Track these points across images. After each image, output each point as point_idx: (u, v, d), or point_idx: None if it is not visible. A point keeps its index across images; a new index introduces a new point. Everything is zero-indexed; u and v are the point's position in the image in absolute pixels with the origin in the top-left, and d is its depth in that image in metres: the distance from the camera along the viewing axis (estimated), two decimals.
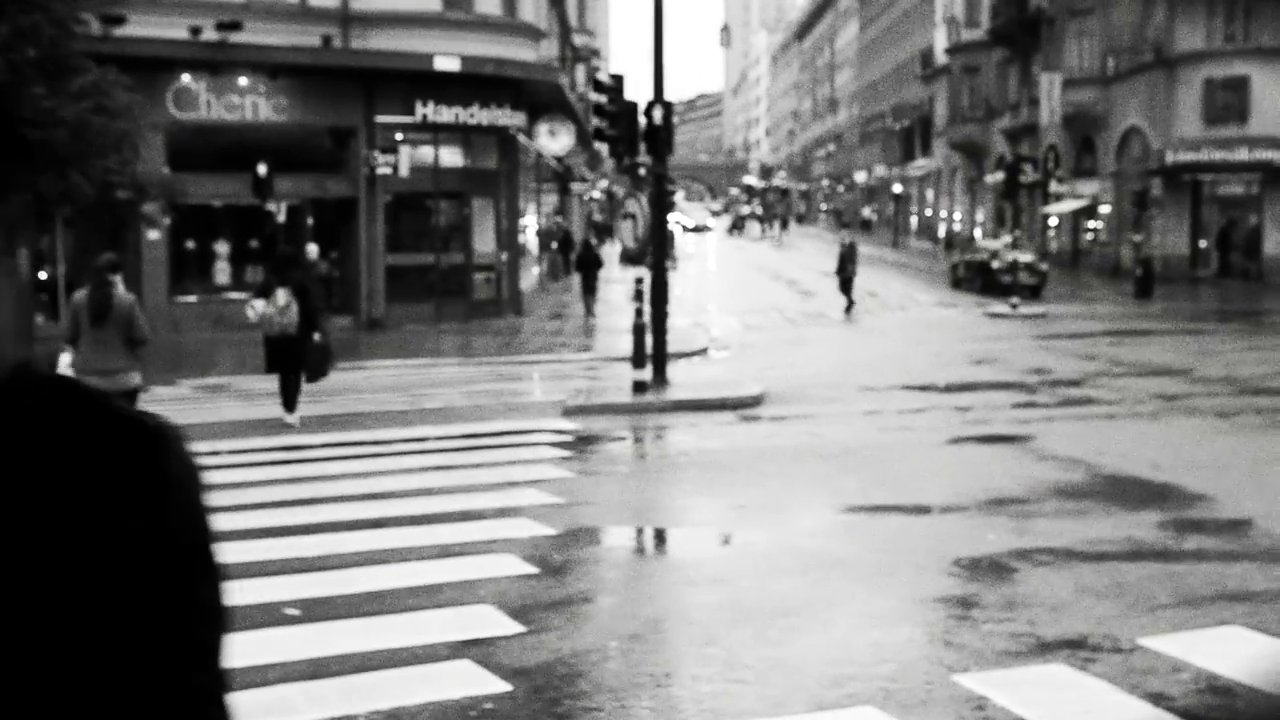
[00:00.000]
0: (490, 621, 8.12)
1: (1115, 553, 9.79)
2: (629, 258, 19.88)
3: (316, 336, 16.76)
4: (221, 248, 30.93)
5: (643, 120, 19.47)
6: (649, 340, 19.18)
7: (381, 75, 30.74)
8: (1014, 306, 35.32)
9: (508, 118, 33.27)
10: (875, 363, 24.07)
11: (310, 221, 31.40)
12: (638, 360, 18.92)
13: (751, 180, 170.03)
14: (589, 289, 35.74)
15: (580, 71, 56.76)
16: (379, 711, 6.63)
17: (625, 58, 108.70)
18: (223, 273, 30.83)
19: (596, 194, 78.27)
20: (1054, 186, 49.44)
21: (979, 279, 43.66)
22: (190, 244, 30.70)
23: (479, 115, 32.35)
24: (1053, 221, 58.91)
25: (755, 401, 18.34)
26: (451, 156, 33.64)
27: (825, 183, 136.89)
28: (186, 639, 1.29)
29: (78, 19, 23.23)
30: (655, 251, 19.79)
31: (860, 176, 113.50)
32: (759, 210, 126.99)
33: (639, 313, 19.01)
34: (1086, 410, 17.71)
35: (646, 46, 19.80)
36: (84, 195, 22.78)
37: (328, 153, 31.67)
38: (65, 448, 1.25)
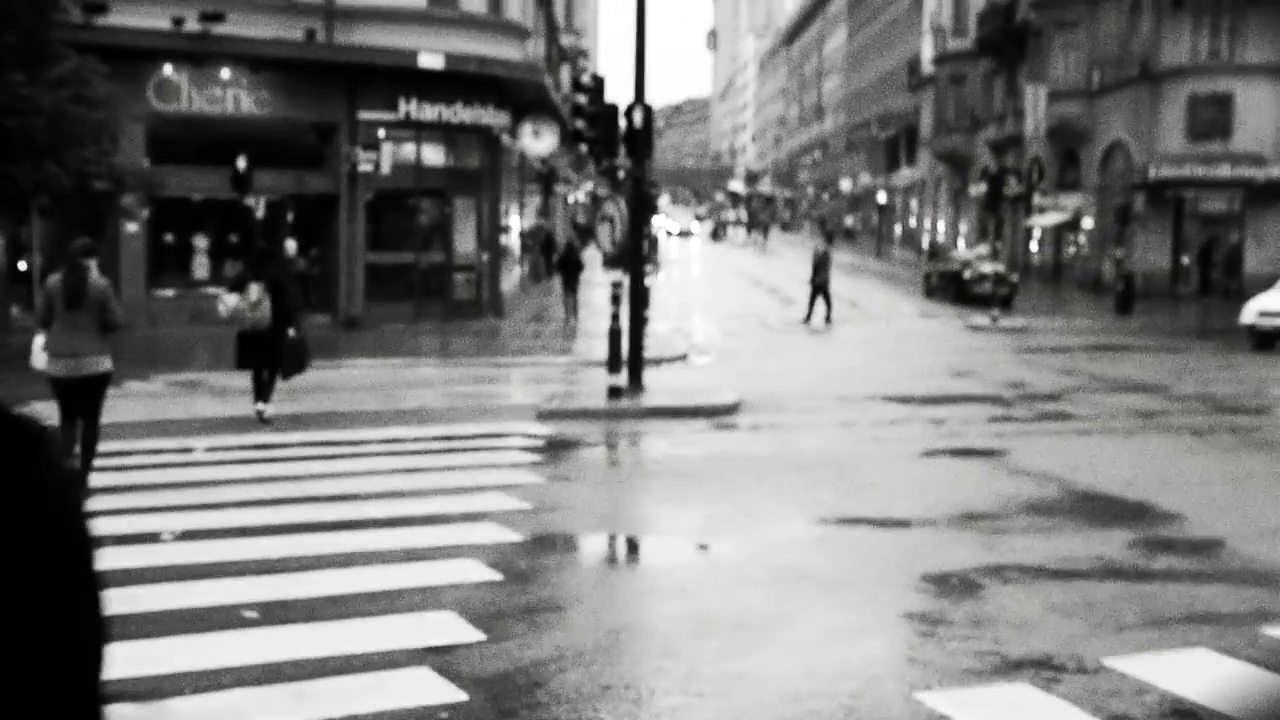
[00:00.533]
0: (451, 628, 8.02)
1: (1085, 571, 9.73)
2: (611, 261, 19.77)
3: (291, 332, 16.68)
4: (200, 242, 30.77)
5: (624, 122, 19.36)
6: (625, 345, 19.08)
7: (365, 71, 30.60)
8: (994, 319, 35.36)
9: (491, 117, 33.14)
10: (853, 372, 24.01)
11: (290, 217, 31.25)
12: (613, 365, 18.83)
13: (737, 186, 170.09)
14: (570, 291, 35.60)
15: (566, 72, 56.62)
16: (331, 719, 6.52)
17: (613, 59, 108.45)
18: (201, 267, 30.67)
19: (581, 196, 78.15)
20: (1037, 199, 49.52)
21: (951, 288, 45.07)
22: (169, 237, 30.55)
23: (462, 114, 32.22)
24: (1036, 234, 58.96)
25: (730, 409, 18.26)
26: (434, 155, 33.51)
27: (810, 190, 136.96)
28: (65, 649, 1.25)
29: (58, 6, 23.10)
30: (632, 255, 19.69)
31: (845, 184, 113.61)
32: (743, 216, 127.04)
33: (615, 317, 18.92)
34: (1062, 425, 17.66)
35: (632, 42, 19.70)
36: (61, 185, 22.64)
37: (309, 148, 31.52)
38: None
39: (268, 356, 16.78)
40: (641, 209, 20.39)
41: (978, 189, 59.30)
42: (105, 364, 11.94)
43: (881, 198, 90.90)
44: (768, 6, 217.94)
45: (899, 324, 37.02)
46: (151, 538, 10.17)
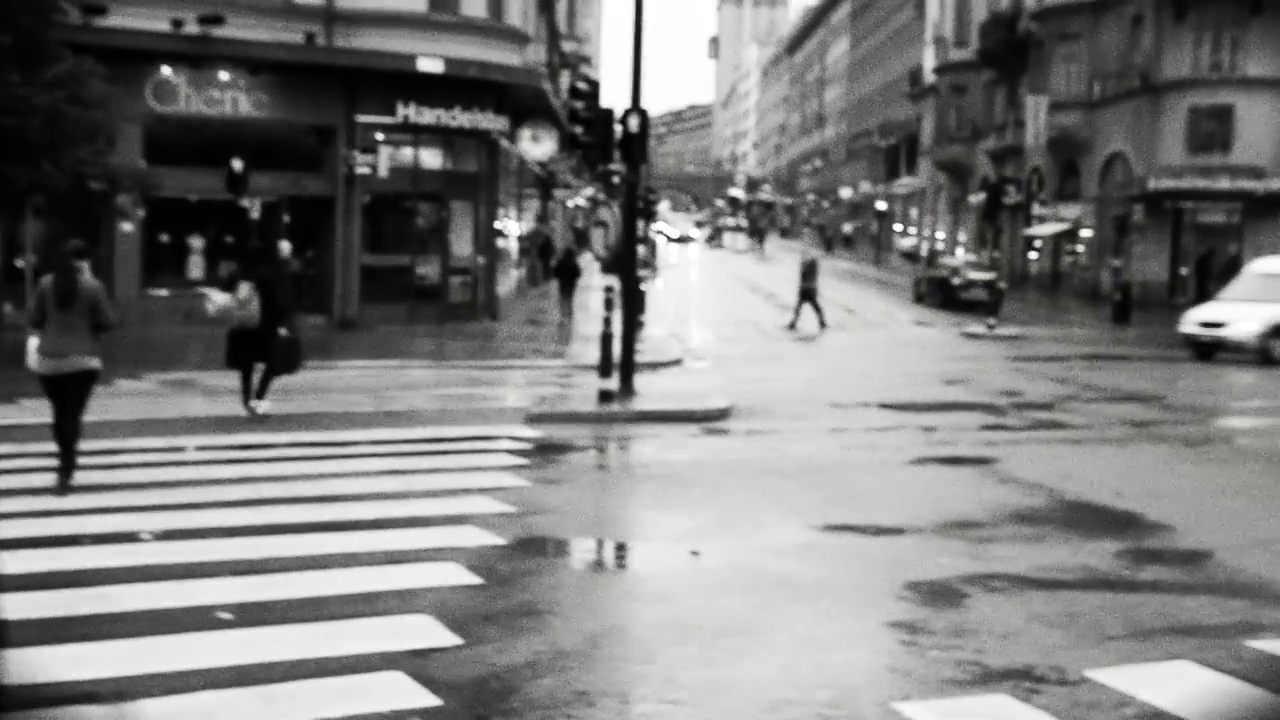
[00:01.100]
0: (427, 632, 7.94)
1: (1070, 581, 9.65)
2: (607, 266, 19.73)
3: (282, 331, 16.66)
4: (196, 242, 30.68)
5: (619, 128, 19.29)
6: (617, 349, 19.01)
7: (363, 75, 30.56)
8: (990, 327, 35.28)
9: (490, 121, 33.09)
10: (846, 379, 23.95)
11: (286, 219, 31.16)
12: (604, 369, 18.77)
13: (737, 192, 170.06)
14: (567, 295, 35.59)
15: (567, 78, 56.59)
16: None
17: (616, 66, 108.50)
18: (196, 267, 30.57)
19: (581, 201, 78.06)
20: (1036, 209, 49.47)
21: (939, 294, 46.42)
22: (164, 237, 30.48)
23: (461, 118, 32.17)
24: (1037, 243, 58.91)
25: (721, 414, 18.20)
26: (432, 158, 33.46)
27: (811, 197, 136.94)
28: None
29: (57, 7, 23.07)
30: (626, 261, 19.63)
31: (845, 192, 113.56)
32: (742, 222, 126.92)
33: (607, 321, 18.86)
34: (1054, 434, 17.59)
35: (629, 55, 19.65)
36: (56, 185, 22.59)
37: (307, 150, 31.47)
38: None
39: (258, 355, 16.78)
40: (635, 214, 20.34)
41: (977, 198, 59.28)
42: (93, 362, 12.08)
43: (881, 206, 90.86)
44: (771, 15, 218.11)
45: (895, 331, 36.98)
46: (130, 537, 10.11)
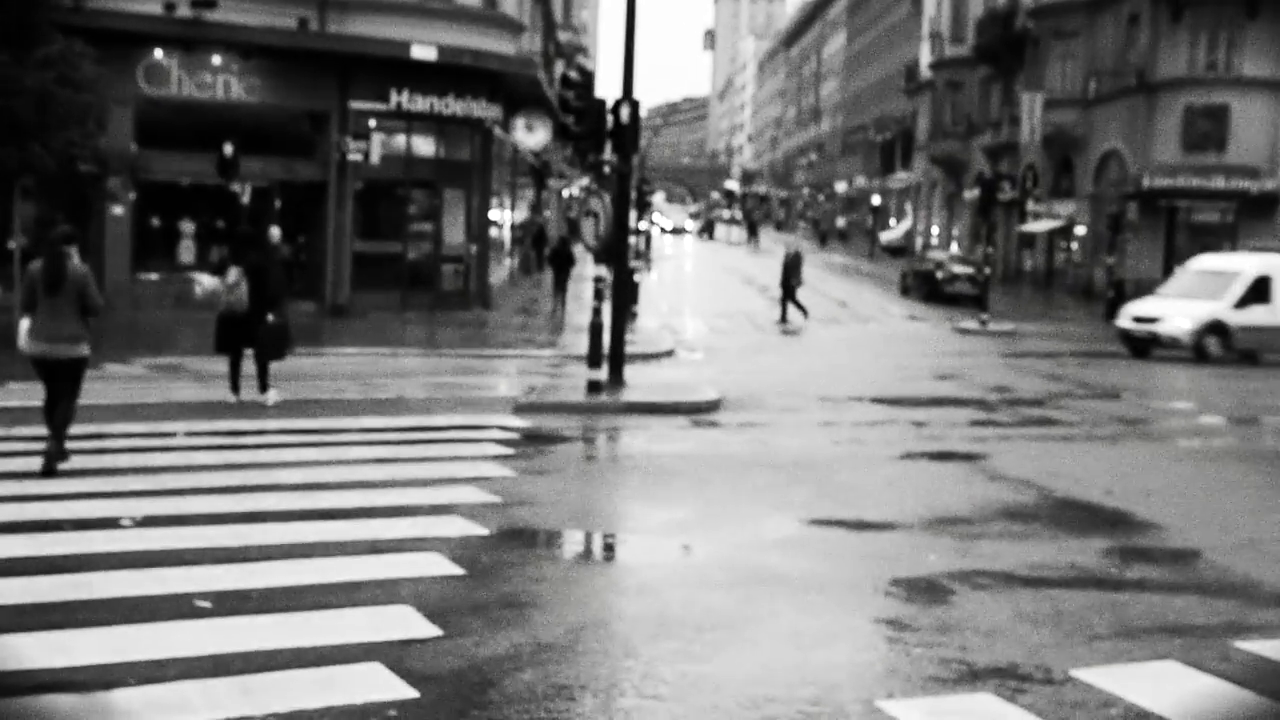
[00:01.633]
0: (407, 623, 7.85)
1: (1057, 579, 9.58)
2: (600, 256, 19.63)
3: (271, 317, 16.59)
4: (187, 226, 30.55)
5: (612, 118, 19.17)
6: (607, 340, 18.91)
7: (357, 61, 30.42)
8: (983, 323, 35.26)
9: (483, 110, 32.97)
10: (837, 373, 23.87)
11: (278, 204, 31.04)
12: (593, 360, 18.67)
13: (732, 185, 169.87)
14: (560, 285, 35.50)
15: (562, 68, 56.45)
16: (276, 714, 6.35)
17: (613, 57, 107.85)
18: (187, 251, 30.46)
19: (575, 191, 77.93)
20: (1031, 205, 49.44)
21: (924, 287, 47.69)
22: (155, 221, 30.35)
23: (454, 106, 32.05)
24: (1039, 241, 58.87)
25: (711, 407, 18.12)
26: (425, 146, 33.35)
27: (806, 191, 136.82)
28: None
29: None
30: (616, 251, 19.53)
31: (840, 186, 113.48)
32: (737, 215, 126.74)
33: (597, 312, 18.76)
34: (1044, 431, 17.53)
35: (621, 44, 19.56)
36: (45, 166, 22.45)
37: (299, 136, 31.33)
38: None
39: (247, 341, 16.72)
40: (627, 205, 20.24)
41: (972, 194, 59.22)
42: (83, 349, 12.29)
43: (876, 200, 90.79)
44: (768, 8, 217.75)
45: (888, 325, 36.94)
46: (111, 523, 10.01)
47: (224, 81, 29.71)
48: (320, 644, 7.39)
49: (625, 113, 18.79)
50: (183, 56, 29.27)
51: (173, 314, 27.86)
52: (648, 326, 30.94)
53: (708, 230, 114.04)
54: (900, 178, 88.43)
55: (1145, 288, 46.07)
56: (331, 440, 14.43)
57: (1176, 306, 29.71)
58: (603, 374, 18.75)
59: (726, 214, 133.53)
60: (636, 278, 33.92)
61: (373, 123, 31.20)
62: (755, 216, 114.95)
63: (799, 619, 8.38)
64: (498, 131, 35.58)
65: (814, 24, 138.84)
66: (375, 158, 30.66)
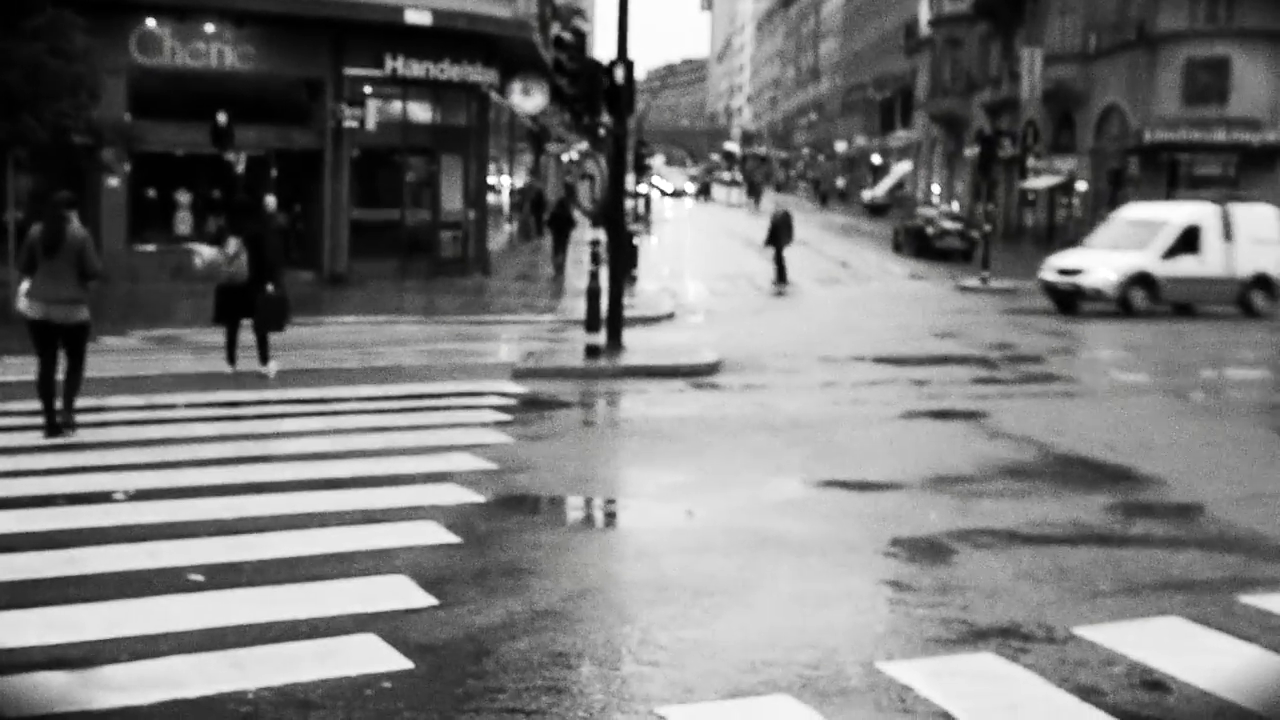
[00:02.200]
0: (402, 593, 7.77)
1: (1059, 536, 9.49)
2: (597, 219, 19.49)
3: (270, 288, 16.48)
4: (183, 197, 30.42)
5: (606, 80, 18.98)
6: (604, 304, 18.79)
7: (351, 27, 30.21)
8: (984, 280, 35.12)
9: (479, 74, 32.79)
10: (838, 333, 23.76)
11: (274, 173, 30.88)
12: (591, 324, 18.55)
13: (732, 146, 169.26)
14: (559, 250, 35.39)
15: (558, 31, 56.09)
16: (269, 688, 6.27)
17: (610, 19, 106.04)
18: (183, 222, 30.33)
19: (574, 155, 77.68)
20: (1031, 162, 49.20)
21: (915, 243, 48.34)
22: (151, 192, 30.20)
23: (450, 71, 31.88)
24: (1031, 196, 58.64)
25: (710, 369, 18.01)
26: (421, 112, 33.20)
27: (806, 151, 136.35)
28: None
29: None
30: (612, 213, 19.39)
31: (840, 146, 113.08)
32: (737, 177, 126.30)
33: (593, 276, 18.63)
34: (1046, 388, 17.44)
35: (632, 6, 19.36)
36: (37, 138, 22.30)
37: (294, 104, 31.17)
38: None
39: (246, 311, 16.61)
40: (623, 167, 20.09)
41: (972, 151, 58.95)
42: (82, 314, 12.42)
43: (876, 159, 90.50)
44: None
45: (888, 284, 36.80)
46: (104, 497, 9.92)
47: (217, 50, 29.54)
48: (314, 616, 7.31)
49: (620, 74, 18.61)
50: (175, 25, 29.10)
51: (170, 286, 27.74)
52: (647, 290, 30.81)
53: (704, 192, 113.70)
54: (900, 136, 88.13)
55: None
56: (328, 410, 14.33)
57: (1102, 258, 28.83)
58: (601, 338, 18.65)
59: (727, 175, 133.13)
60: (636, 241, 33.78)
61: (368, 89, 31.03)
62: (756, 177, 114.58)
63: (799, 581, 8.29)
64: (494, 96, 35.41)
65: None
66: (371, 124, 30.49)
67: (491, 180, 37.45)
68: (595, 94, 18.86)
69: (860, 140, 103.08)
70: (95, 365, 15.66)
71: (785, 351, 20.70)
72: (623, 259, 20.31)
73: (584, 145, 73.63)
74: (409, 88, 32.14)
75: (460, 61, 31.95)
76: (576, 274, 32.85)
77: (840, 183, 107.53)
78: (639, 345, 19.64)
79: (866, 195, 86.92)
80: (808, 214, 78.58)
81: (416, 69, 31.29)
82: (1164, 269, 28.13)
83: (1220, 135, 45.99)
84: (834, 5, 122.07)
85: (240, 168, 29.90)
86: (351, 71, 30.69)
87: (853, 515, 10.14)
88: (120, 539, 8.77)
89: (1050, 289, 29.25)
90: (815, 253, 46.98)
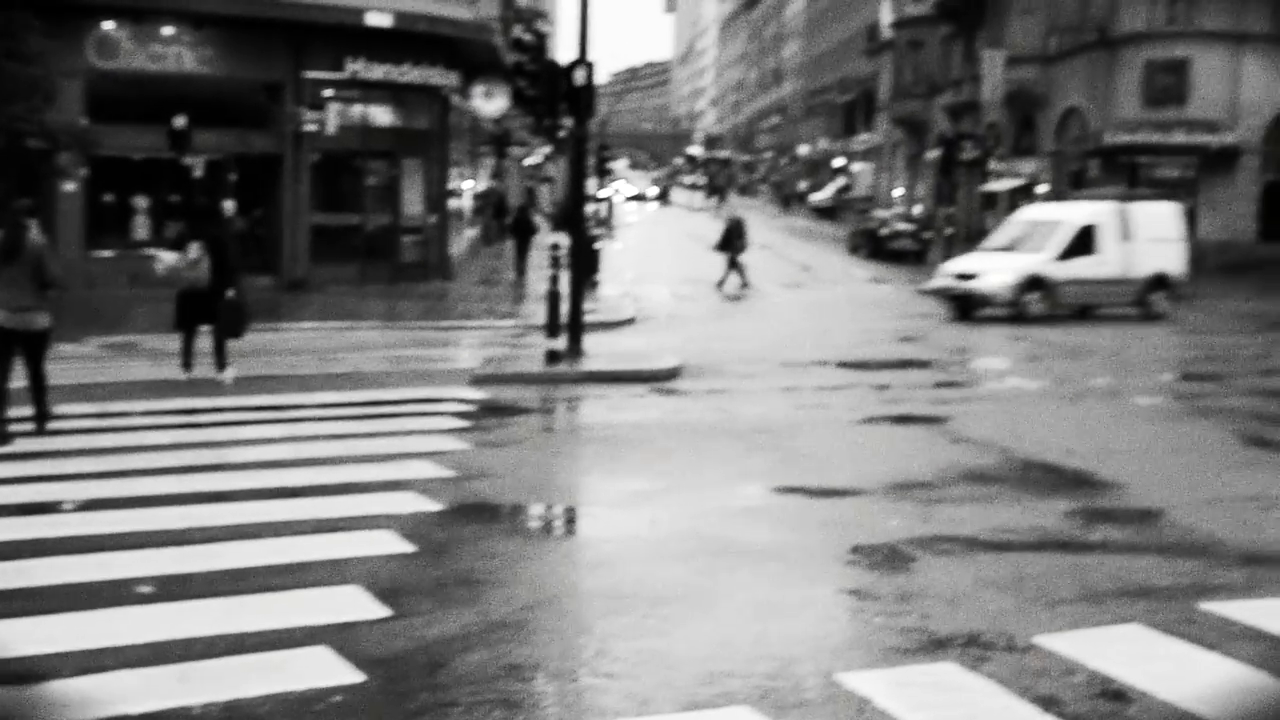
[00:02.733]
0: (355, 604, 7.64)
1: (1020, 543, 9.44)
2: (557, 223, 19.38)
3: (231, 293, 16.35)
4: (141, 202, 30.15)
5: (567, 81, 18.87)
6: (565, 308, 18.69)
7: (310, 29, 30.00)
8: None
9: (440, 77, 32.63)
10: (800, 337, 23.72)
11: (233, 177, 30.63)
12: (552, 329, 18.44)
13: (695, 150, 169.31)
14: (521, 254, 35.28)
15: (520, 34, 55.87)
16: (216, 703, 6.14)
17: (574, 22, 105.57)
18: (141, 227, 30.06)
19: (537, 159, 77.43)
20: (993, 164, 49.34)
21: (870, 245, 49.01)
22: (108, 197, 29.90)
23: (411, 74, 31.71)
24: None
25: (671, 374, 17.91)
26: (382, 115, 33.04)
27: (769, 154, 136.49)
28: None
29: None
30: (573, 217, 19.29)
31: (803, 149, 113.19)
32: (700, 180, 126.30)
33: (554, 280, 18.52)
34: (1007, 392, 17.44)
35: (594, 7, 19.26)
36: None
37: (254, 108, 30.93)
38: None
39: (207, 317, 16.47)
40: (584, 170, 19.99)
41: (934, 154, 59.08)
42: (41, 321, 12.54)
43: (839, 162, 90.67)
44: None
45: (851, 288, 36.81)
46: (52, 507, 9.76)
47: (176, 53, 29.29)
48: (264, 628, 7.18)
49: (580, 75, 18.51)
50: (133, 28, 28.84)
51: (128, 292, 27.45)
52: (610, 294, 30.71)
53: (663, 197, 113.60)
54: (863, 139, 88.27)
55: None
56: (285, 417, 14.18)
57: (996, 261, 27.91)
58: (561, 343, 18.53)
59: (689, 179, 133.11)
60: (598, 245, 33.66)
61: (328, 92, 30.82)
62: (719, 181, 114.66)
63: (758, 590, 8.21)
64: (456, 99, 35.24)
65: None
66: (331, 128, 30.30)
67: (453, 184, 37.26)
68: (555, 96, 18.75)
69: (823, 143, 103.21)
70: (50, 373, 15.48)
71: (747, 356, 20.64)
72: (583, 263, 20.21)
73: (546, 149, 73.53)
74: (369, 91, 31.97)
75: (421, 64, 31.79)
76: (538, 279, 32.68)
77: (803, 186, 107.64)
78: (600, 350, 19.54)
79: (814, 198, 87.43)
80: (770, 217, 78.76)
81: (377, 72, 31.12)
82: (1059, 271, 27.24)
83: (1180, 137, 46.18)
84: (796, 8, 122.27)
85: (198, 172, 29.64)
86: (311, 74, 30.49)
87: (814, 522, 10.07)
88: (68, 550, 8.61)
89: (945, 294, 28.19)
90: (777, 256, 46.99)
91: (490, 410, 14.92)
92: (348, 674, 6.55)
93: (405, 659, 6.82)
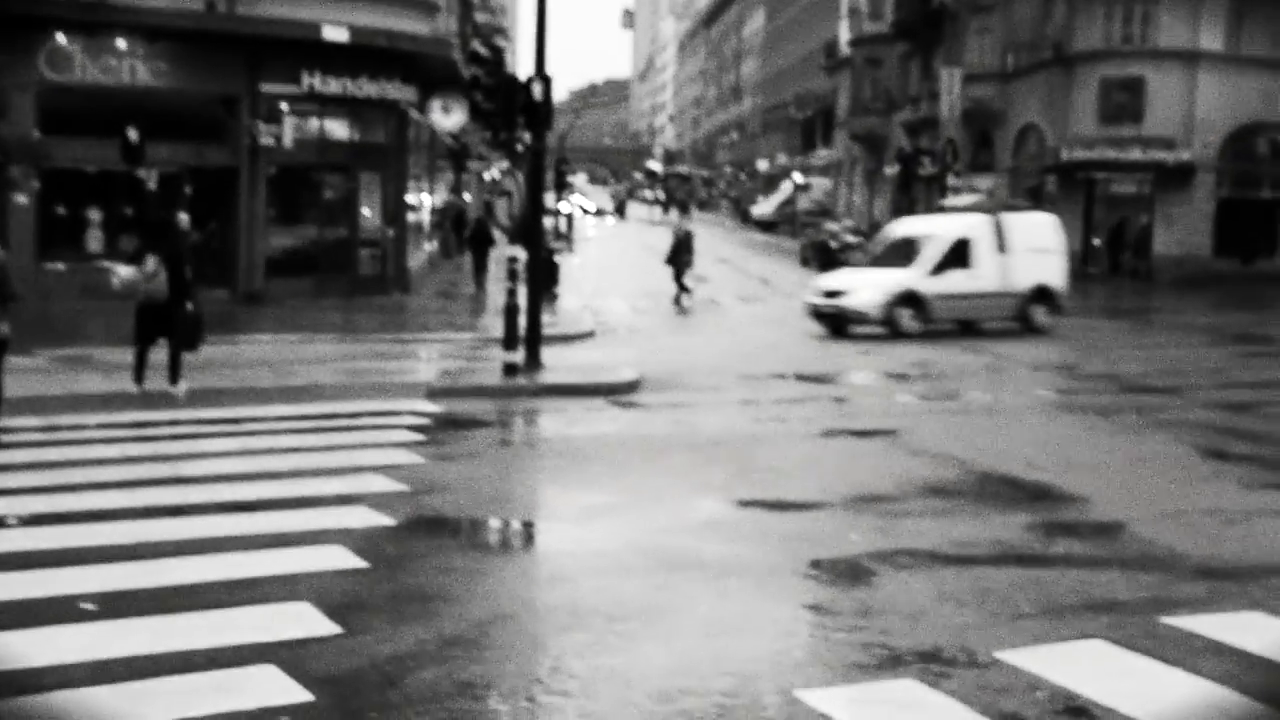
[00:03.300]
0: (305, 621, 7.48)
1: (981, 556, 9.35)
2: (516, 236, 19.24)
3: (190, 306, 16.17)
4: (94, 214, 29.77)
5: (524, 95, 18.74)
6: (523, 321, 18.54)
7: (267, 43, 29.72)
8: None
9: (398, 91, 32.42)
10: (759, 351, 23.63)
11: (188, 191, 30.32)
12: (509, 342, 18.28)
13: (655, 165, 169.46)
14: (480, 267, 35.11)
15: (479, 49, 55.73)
16: None
17: (532, 37, 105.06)
18: (95, 240, 29.66)
19: (496, 173, 77.31)
20: (951, 180, 49.43)
21: (820, 257, 47.67)
22: (61, 210, 29.54)
23: (368, 88, 31.48)
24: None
25: (629, 387, 17.79)
26: (339, 129, 32.74)
27: (728, 170, 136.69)
28: None
29: None
30: (530, 231, 19.15)
31: (762, 165, 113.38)
32: (661, 195, 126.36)
33: (511, 293, 18.38)
34: (966, 405, 17.39)
35: (553, 24, 19.13)
36: None
37: (209, 121, 30.61)
38: None
39: (165, 330, 16.25)
40: (541, 183, 19.86)
41: (892, 170, 59.31)
42: (4, 329, 12.85)
43: (798, 178, 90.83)
44: None
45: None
46: None
47: (129, 66, 28.95)
48: (211, 646, 7.01)
49: (537, 89, 18.39)
50: (86, 40, 28.49)
51: (81, 304, 27.12)
52: (569, 308, 30.56)
53: (620, 211, 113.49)
54: (821, 155, 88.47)
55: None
56: (237, 430, 13.98)
57: (867, 277, 26.91)
58: (519, 356, 18.38)
59: (649, 194, 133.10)
60: (558, 259, 33.48)
61: (285, 106, 30.53)
62: (679, 195, 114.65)
63: (716, 606, 8.09)
64: (414, 114, 35.05)
65: (733, 2, 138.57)
66: (288, 141, 30.02)
67: (411, 198, 37.03)
68: (513, 109, 18.61)
69: (782, 159, 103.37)
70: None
71: (706, 369, 20.54)
72: (541, 276, 20.05)
73: (505, 163, 73.24)
74: (327, 105, 31.69)
75: (379, 79, 31.58)
76: (497, 291, 32.49)
77: (760, 200, 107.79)
78: (558, 363, 19.40)
79: (755, 211, 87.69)
80: (729, 231, 78.88)
81: (334, 86, 30.86)
82: (932, 286, 26.25)
83: (1136, 154, 46.43)
84: (755, 25, 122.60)
85: (152, 185, 29.32)
86: (268, 88, 30.21)
87: (773, 536, 9.95)
88: (10, 566, 8.41)
89: (816, 312, 27.03)
90: (736, 270, 46.97)
91: (447, 423, 14.76)
92: (296, 693, 6.40)
93: (355, 678, 6.67)
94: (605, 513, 10.64)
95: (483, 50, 20.24)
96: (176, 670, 6.65)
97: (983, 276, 26.83)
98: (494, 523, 10.59)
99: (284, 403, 15.88)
